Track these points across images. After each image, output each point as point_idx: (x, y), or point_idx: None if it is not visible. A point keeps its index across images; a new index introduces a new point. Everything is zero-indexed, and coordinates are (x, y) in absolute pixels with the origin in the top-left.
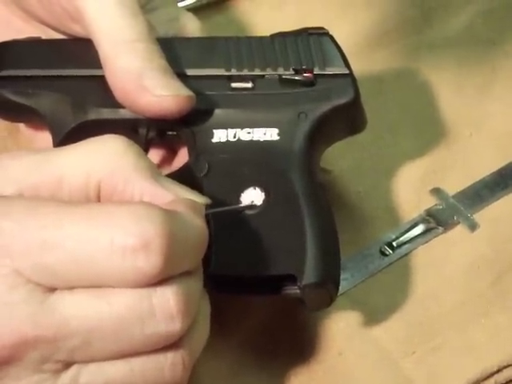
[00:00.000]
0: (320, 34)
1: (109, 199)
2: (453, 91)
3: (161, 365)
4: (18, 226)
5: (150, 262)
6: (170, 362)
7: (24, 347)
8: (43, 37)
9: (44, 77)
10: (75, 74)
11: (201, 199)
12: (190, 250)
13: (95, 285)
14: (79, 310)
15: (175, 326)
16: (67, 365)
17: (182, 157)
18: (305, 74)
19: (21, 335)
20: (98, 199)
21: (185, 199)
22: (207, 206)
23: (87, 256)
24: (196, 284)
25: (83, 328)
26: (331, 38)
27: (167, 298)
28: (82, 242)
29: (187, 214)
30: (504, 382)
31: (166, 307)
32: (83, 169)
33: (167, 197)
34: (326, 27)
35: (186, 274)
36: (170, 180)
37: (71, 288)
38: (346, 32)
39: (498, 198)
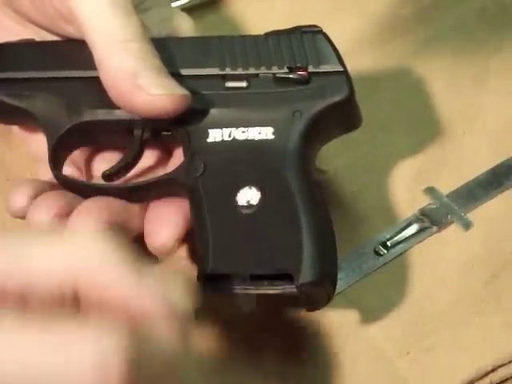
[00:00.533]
0: (314, 31)
1: (87, 302)
2: (446, 89)
3: None
4: None
5: None
6: None
7: None
8: (37, 39)
9: (38, 79)
10: (69, 75)
11: (187, 296)
12: (163, 375)
13: None
14: None
15: None
16: None
17: (178, 158)
18: (299, 73)
19: None
20: (75, 301)
21: (166, 306)
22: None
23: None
24: None
25: None
26: (325, 35)
27: None
28: (37, 366)
29: (163, 331)
30: (499, 381)
31: None
32: (57, 271)
33: (155, 306)
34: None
35: None
36: (155, 275)
37: None
38: (339, 31)
39: (492, 197)
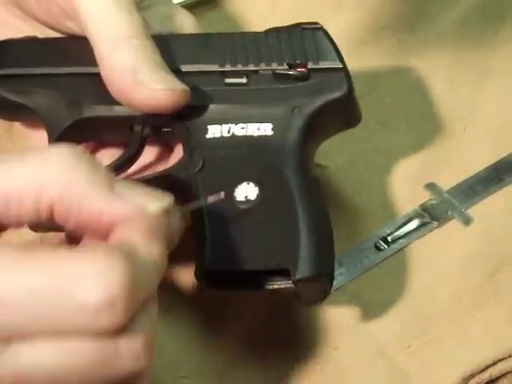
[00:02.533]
0: (314, 28)
1: (64, 220)
2: (446, 86)
3: None
4: None
5: (112, 319)
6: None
7: None
8: (40, 36)
9: (39, 75)
10: (70, 71)
11: (163, 203)
12: (149, 284)
13: (55, 337)
14: (40, 361)
15: (140, 364)
16: None
17: (178, 153)
18: (298, 69)
19: None
20: (51, 219)
21: (142, 220)
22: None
23: (43, 311)
24: (154, 309)
25: (45, 378)
26: (325, 32)
27: (133, 344)
28: (38, 296)
29: (144, 240)
30: (499, 374)
31: (132, 352)
32: (33, 187)
33: (126, 210)
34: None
35: (147, 303)
36: (127, 186)
37: (30, 338)
38: (340, 28)
39: (492, 193)
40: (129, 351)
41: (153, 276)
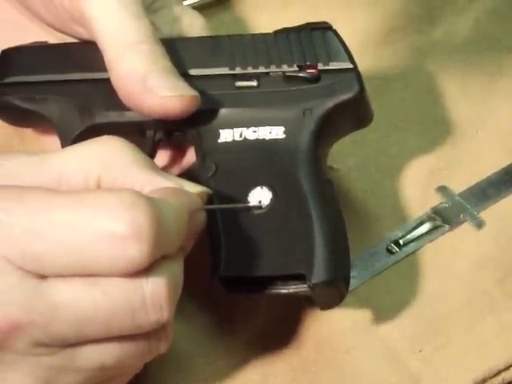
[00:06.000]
0: (323, 28)
1: None
2: (458, 89)
3: (148, 346)
4: (5, 214)
5: (139, 249)
6: (155, 343)
7: (17, 332)
8: (51, 38)
9: (50, 82)
10: (81, 77)
11: (198, 189)
12: (174, 235)
13: (86, 272)
14: (73, 299)
15: (163, 314)
16: (61, 347)
17: (191, 156)
18: (309, 71)
19: (13, 320)
20: None
21: (174, 187)
22: (213, 201)
23: (75, 244)
24: (179, 267)
25: (76, 315)
26: (335, 32)
27: (157, 289)
28: (70, 229)
29: (173, 199)
30: (511, 379)
31: (156, 298)
32: (81, 166)
33: (167, 185)
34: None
35: (171, 257)
36: (167, 173)
37: (62, 275)
38: (351, 30)
39: (504, 196)
40: (152, 299)
41: (178, 229)
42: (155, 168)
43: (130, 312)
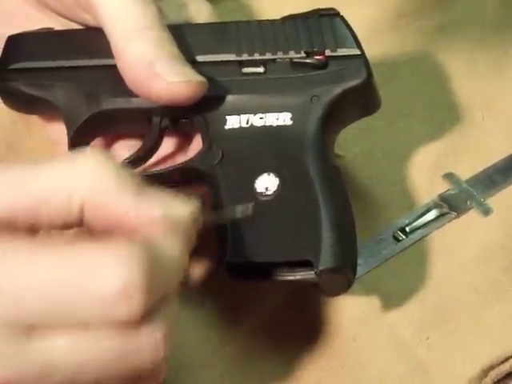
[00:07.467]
0: (331, 15)
1: (93, 219)
2: (465, 74)
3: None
4: None
5: (130, 308)
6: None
7: None
8: (57, 26)
9: (56, 68)
10: (88, 64)
11: (187, 207)
12: (169, 280)
13: (76, 327)
14: (63, 352)
15: (160, 355)
16: None
17: (197, 143)
18: (316, 57)
19: (3, 379)
20: (81, 221)
21: (166, 218)
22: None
23: (64, 302)
24: (175, 306)
25: (67, 369)
26: (342, 18)
27: (153, 336)
28: (59, 286)
29: (168, 239)
30: None
31: (152, 344)
32: (64, 190)
33: (151, 212)
34: None
35: (167, 298)
36: (153, 191)
37: (52, 329)
38: (358, 16)
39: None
40: (149, 345)
41: (174, 272)
42: (141, 187)
43: (126, 359)
